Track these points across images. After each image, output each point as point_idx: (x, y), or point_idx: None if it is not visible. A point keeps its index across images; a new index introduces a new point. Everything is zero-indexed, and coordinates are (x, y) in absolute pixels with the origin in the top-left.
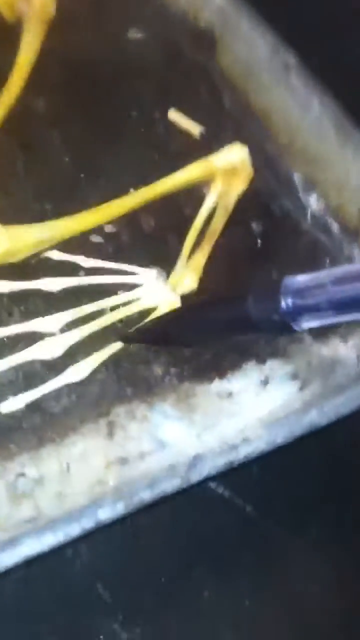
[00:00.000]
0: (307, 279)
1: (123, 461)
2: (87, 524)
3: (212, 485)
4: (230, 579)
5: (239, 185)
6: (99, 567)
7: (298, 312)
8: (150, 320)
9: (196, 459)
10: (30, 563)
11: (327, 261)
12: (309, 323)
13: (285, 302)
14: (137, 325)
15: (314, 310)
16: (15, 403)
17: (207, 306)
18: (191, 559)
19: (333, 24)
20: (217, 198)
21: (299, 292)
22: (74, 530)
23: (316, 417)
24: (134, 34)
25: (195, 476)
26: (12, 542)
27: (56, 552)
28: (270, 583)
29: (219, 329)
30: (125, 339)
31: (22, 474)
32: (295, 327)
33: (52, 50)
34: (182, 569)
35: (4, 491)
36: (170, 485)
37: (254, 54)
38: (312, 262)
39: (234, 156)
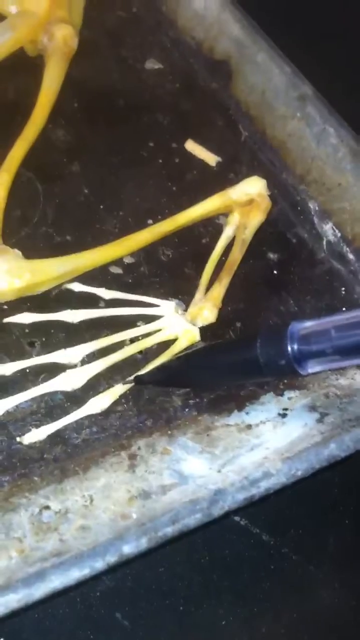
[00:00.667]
0: (312, 325)
1: (145, 495)
2: (111, 559)
3: (233, 517)
4: (247, 606)
5: (256, 217)
6: (119, 595)
7: (304, 357)
8: (162, 364)
9: (217, 494)
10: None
11: (343, 290)
12: (314, 367)
13: (292, 348)
14: (149, 369)
15: (319, 355)
16: (38, 435)
17: (216, 350)
18: (208, 588)
19: (349, 56)
20: (235, 230)
21: (304, 338)
22: (99, 565)
23: (335, 450)
24: (152, 65)
25: (217, 511)
26: (40, 576)
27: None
28: (287, 609)
29: (227, 373)
30: (139, 381)
31: (47, 507)
32: (301, 372)
33: (71, 82)
34: (200, 596)
35: (28, 524)
36: (193, 520)
37: (270, 84)
38: (328, 291)
39: (252, 189)
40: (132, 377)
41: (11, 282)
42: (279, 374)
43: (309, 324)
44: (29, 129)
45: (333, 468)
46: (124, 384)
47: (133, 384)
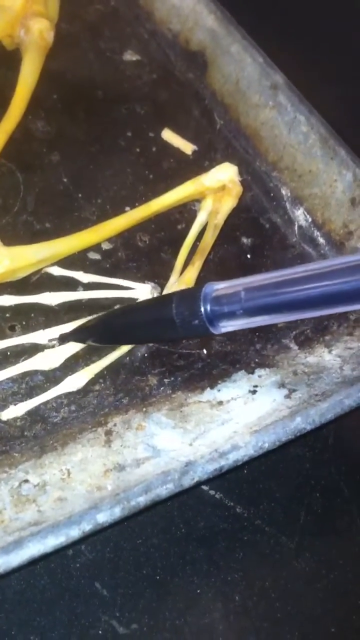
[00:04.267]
0: (224, 287)
1: (120, 467)
2: (86, 527)
3: (204, 487)
4: (222, 575)
5: (228, 203)
6: (97, 566)
7: (216, 317)
8: (88, 321)
9: (188, 466)
10: (34, 562)
11: None
12: (226, 327)
13: (205, 309)
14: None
15: (230, 316)
16: (16, 411)
17: (135, 310)
18: (185, 558)
19: (320, 45)
20: (208, 215)
21: (217, 299)
22: (75, 533)
23: (301, 423)
24: (130, 56)
25: (187, 482)
26: (18, 544)
27: (57, 551)
28: (260, 578)
29: (145, 331)
30: (62, 338)
31: (26, 481)
32: (214, 331)
33: (49, 73)
34: (176, 566)
35: (8, 496)
36: (164, 490)
37: (243, 74)
38: None
39: (223, 175)
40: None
41: None
42: (193, 333)
43: (221, 286)
44: (6, 120)
45: (304, 444)
46: (50, 340)
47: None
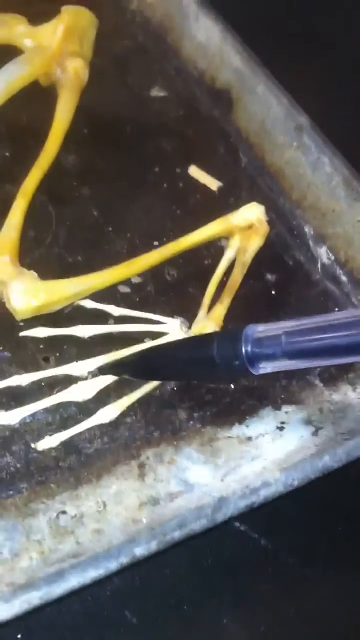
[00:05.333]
0: (265, 329)
1: (154, 501)
2: (124, 560)
3: (233, 522)
4: (247, 606)
5: (256, 241)
6: (127, 594)
7: (256, 358)
8: (127, 355)
9: (221, 502)
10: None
11: (336, 310)
12: (265, 368)
13: (246, 350)
14: (115, 359)
15: (270, 357)
16: (51, 442)
17: (175, 348)
18: (211, 589)
19: (345, 89)
20: (235, 252)
21: (257, 341)
22: (113, 565)
23: (329, 461)
24: (157, 92)
25: (220, 517)
26: (59, 576)
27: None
28: (284, 610)
29: (184, 369)
30: (102, 371)
31: (63, 512)
32: (253, 372)
33: (80, 109)
34: (202, 596)
35: (47, 527)
36: (199, 525)
37: (269, 114)
38: (322, 311)
39: (251, 214)
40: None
41: (27, 301)
42: (232, 373)
43: (262, 329)
44: (42, 157)
45: (326, 477)
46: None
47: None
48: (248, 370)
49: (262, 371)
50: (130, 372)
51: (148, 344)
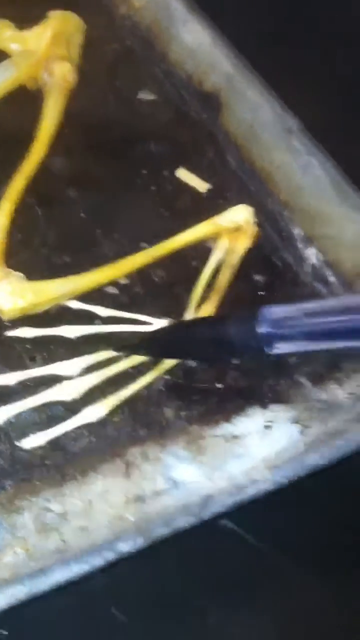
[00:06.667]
0: (282, 310)
1: (140, 499)
2: (109, 555)
3: (221, 520)
4: (235, 603)
5: (243, 243)
6: (115, 591)
7: (272, 339)
8: (143, 334)
9: (207, 499)
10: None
11: None
12: (281, 349)
13: (261, 330)
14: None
15: (285, 338)
16: (37, 440)
17: (194, 326)
18: (198, 586)
19: (335, 92)
20: (223, 254)
21: (273, 322)
22: (98, 561)
23: (317, 459)
24: (145, 96)
25: (207, 514)
26: (43, 571)
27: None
28: (273, 606)
29: (199, 349)
30: (117, 348)
31: (49, 509)
32: (269, 352)
33: (69, 112)
34: (190, 595)
35: (32, 524)
36: (184, 522)
37: (257, 117)
38: None
39: (239, 216)
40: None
41: (15, 302)
42: (248, 352)
43: (278, 309)
44: (30, 160)
45: (316, 476)
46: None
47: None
48: (263, 350)
49: (276, 351)
50: (146, 350)
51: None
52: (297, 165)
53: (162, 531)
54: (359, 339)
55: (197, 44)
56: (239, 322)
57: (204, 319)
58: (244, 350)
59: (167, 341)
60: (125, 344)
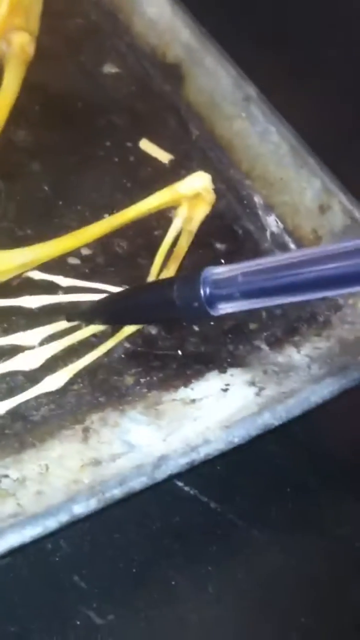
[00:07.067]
0: (222, 271)
1: (96, 462)
2: (63, 518)
3: (179, 484)
4: (196, 567)
5: (202, 210)
6: (76, 559)
7: (215, 299)
8: (92, 302)
9: (161, 459)
10: (15, 555)
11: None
12: (224, 309)
13: (204, 291)
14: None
15: (228, 298)
16: None
17: (136, 292)
18: (160, 551)
19: (292, 57)
20: (182, 222)
21: (216, 283)
22: (52, 524)
23: (270, 418)
24: (109, 69)
25: (160, 475)
26: None
27: (37, 545)
28: (232, 570)
29: (146, 312)
30: (69, 318)
31: (6, 475)
32: (212, 313)
33: (31, 85)
34: (151, 560)
35: None
36: (138, 483)
37: (217, 87)
38: None
39: (197, 183)
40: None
41: None
42: (193, 314)
43: (219, 270)
44: None
45: (275, 441)
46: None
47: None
48: (208, 311)
49: (221, 312)
50: (96, 317)
51: None
52: (255, 132)
53: (116, 492)
54: (292, 295)
55: (158, 16)
56: (182, 284)
57: (151, 283)
58: (189, 312)
59: (117, 307)
60: (76, 312)
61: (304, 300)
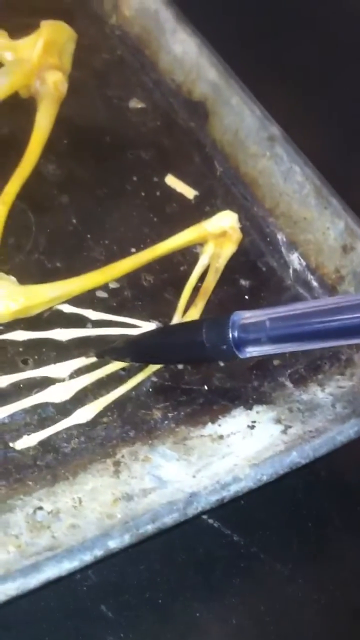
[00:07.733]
0: (250, 316)
1: (128, 497)
2: (98, 553)
3: (204, 516)
4: (219, 600)
5: (229, 248)
6: (103, 589)
7: (243, 343)
8: (121, 340)
9: (192, 496)
10: (46, 586)
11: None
12: (251, 352)
13: (232, 335)
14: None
15: (255, 342)
16: (29, 441)
17: (167, 332)
18: (185, 583)
19: (316, 100)
20: (209, 259)
21: (244, 327)
22: (88, 558)
23: (297, 457)
24: (135, 104)
25: (192, 511)
26: (35, 567)
27: (68, 575)
28: (255, 603)
29: (175, 353)
30: (99, 355)
31: (40, 508)
32: (240, 355)
33: (60, 119)
34: (176, 591)
35: (24, 522)
36: (170, 519)
37: (242, 125)
38: None
39: (225, 222)
40: (93, 353)
41: (7, 305)
42: (221, 357)
43: (248, 315)
44: (22, 166)
45: (297, 475)
46: (87, 357)
47: (95, 358)
48: (235, 354)
49: (248, 355)
50: (125, 355)
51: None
52: (280, 171)
53: (148, 528)
54: (318, 342)
55: (185, 53)
56: (211, 327)
57: (180, 325)
58: (217, 354)
59: (146, 347)
60: (106, 350)
61: (326, 346)
